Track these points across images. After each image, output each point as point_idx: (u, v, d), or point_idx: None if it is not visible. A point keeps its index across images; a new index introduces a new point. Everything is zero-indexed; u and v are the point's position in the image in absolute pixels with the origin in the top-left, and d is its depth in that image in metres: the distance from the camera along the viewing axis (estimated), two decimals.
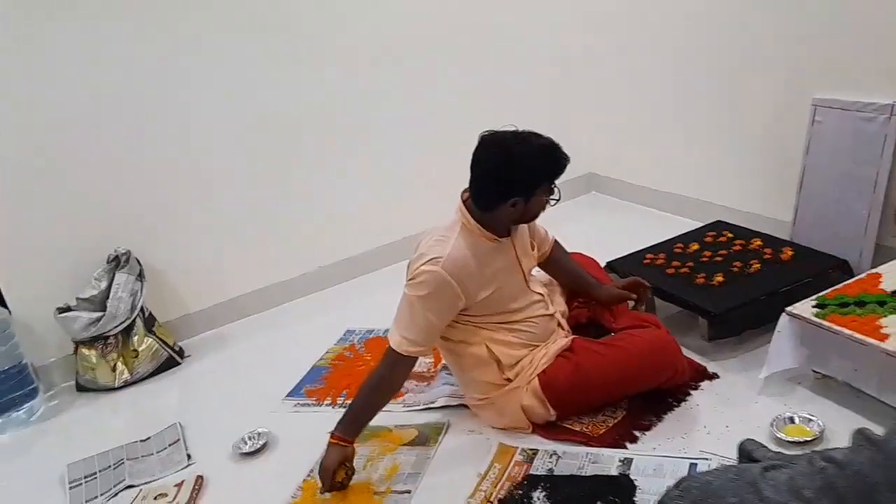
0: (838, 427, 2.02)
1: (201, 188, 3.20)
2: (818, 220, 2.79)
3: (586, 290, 2.48)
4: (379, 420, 2.30)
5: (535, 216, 2.17)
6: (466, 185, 2.13)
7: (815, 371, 2.22)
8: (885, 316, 2.08)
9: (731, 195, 3.26)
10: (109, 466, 2.45)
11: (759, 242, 2.75)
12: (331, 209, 3.52)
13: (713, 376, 2.37)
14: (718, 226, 2.99)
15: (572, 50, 3.81)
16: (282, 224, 3.42)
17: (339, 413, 2.21)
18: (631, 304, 2.43)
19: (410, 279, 2.10)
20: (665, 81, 3.48)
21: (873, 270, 2.34)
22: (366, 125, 3.49)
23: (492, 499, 2.04)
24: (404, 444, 2.34)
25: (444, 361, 2.65)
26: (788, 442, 2.00)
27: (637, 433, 2.18)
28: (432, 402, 2.51)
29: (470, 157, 2.07)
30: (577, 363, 2.21)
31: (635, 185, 3.80)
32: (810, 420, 2.06)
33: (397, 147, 3.59)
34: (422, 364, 2.75)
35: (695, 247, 2.84)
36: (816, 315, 2.16)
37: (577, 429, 2.24)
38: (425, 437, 2.35)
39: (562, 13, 3.75)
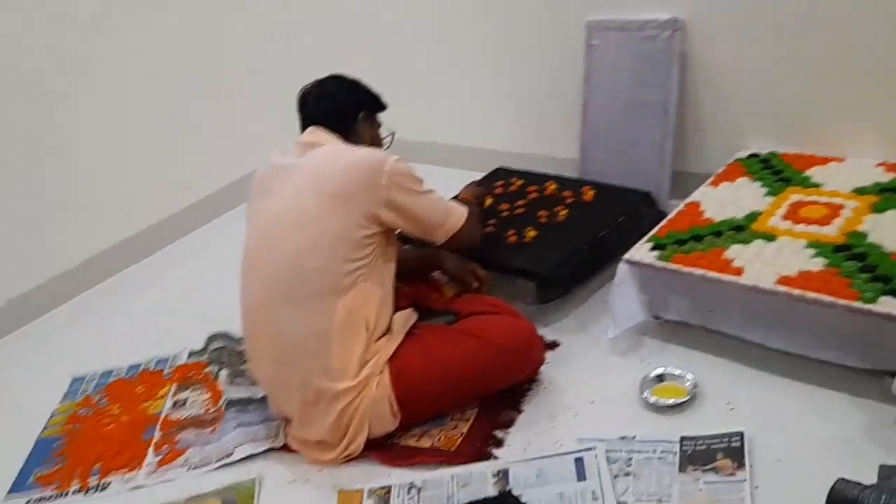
0: (708, 377, 1.84)
1: None
2: (607, 153, 2.62)
3: (433, 259, 2.11)
4: (162, 497, 1.73)
5: (381, 144, 2.03)
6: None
7: (656, 317, 2.04)
8: (727, 247, 1.93)
9: (509, 138, 2.99)
10: None
11: (554, 186, 2.51)
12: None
13: (553, 345, 2.08)
14: (502, 174, 2.71)
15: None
16: None
17: (98, 499, 1.63)
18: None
19: (390, 182, 1.77)
20: (428, 20, 3.10)
21: (689, 200, 2.20)
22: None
23: None
24: None
25: (225, 398, 2.07)
26: (667, 407, 1.78)
27: (500, 434, 1.82)
28: (229, 455, 1.91)
29: None
30: (431, 351, 1.80)
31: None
32: (680, 376, 1.86)
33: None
34: (198, 404, 2.12)
35: (489, 201, 2.52)
36: (660, 258, 1.96)
37: (427, 445, 1.83)
38: None
39: None
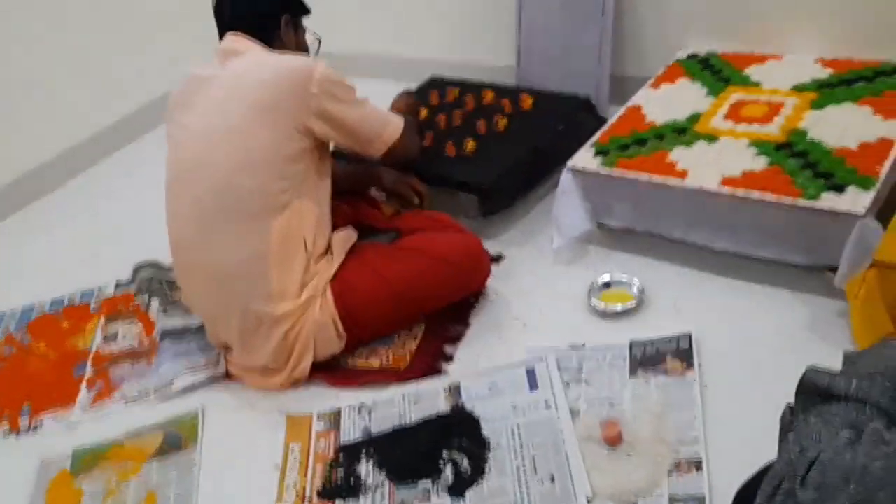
0: (654, 282, 1.83)
1: None
2: (545, 58, 2.53)
3: (370, 175, 2.04)
4: (100, 434, 1.66)
5: (307, 50, 1.90)
6: None
7: (601, 225, 2.01)
8: (670, 150, 1.90)
9: (443, 46, 2.86)
10: None
11: (491, 95, 2.42)
12: None
13: (499, 258, 2.04)
14: (437, 83, 2.60)
15: None
16: None
17: (32, 439, 1.59)
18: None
19: (321, 91, 1.65)
20: None
21: (630, 103, 2.15)
22: None
23: (307, 494, 1.52)
24: (152, 457, 1.67)
25: (159, 328, 1.98)
26: (616, 313, 1.77)
27: (449, 349, 1.79)
28: (168, 386, 1.83)
29: None
30: (376, 269, 1.74)
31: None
32: (626, 282, 1.85)
33: None
34: (130, 337, 2.02)
35: (424, 112, 2.42)
36: (603, 164, 1.92)
37: (376, 364, 1.78)
38: (177, 439, 1.70)
39: None
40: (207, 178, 1.65)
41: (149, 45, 3.05)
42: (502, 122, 2.28)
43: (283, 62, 1.70)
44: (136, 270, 2.21)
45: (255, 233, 1.64)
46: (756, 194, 1.69)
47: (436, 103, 2.48)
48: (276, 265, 1.66)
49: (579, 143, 2.07)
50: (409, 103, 2.29)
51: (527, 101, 2.35)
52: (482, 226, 2.12)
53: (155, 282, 2.13)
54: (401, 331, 1.84)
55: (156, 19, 3.07)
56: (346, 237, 1.82)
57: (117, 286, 2.21)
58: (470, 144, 2.19)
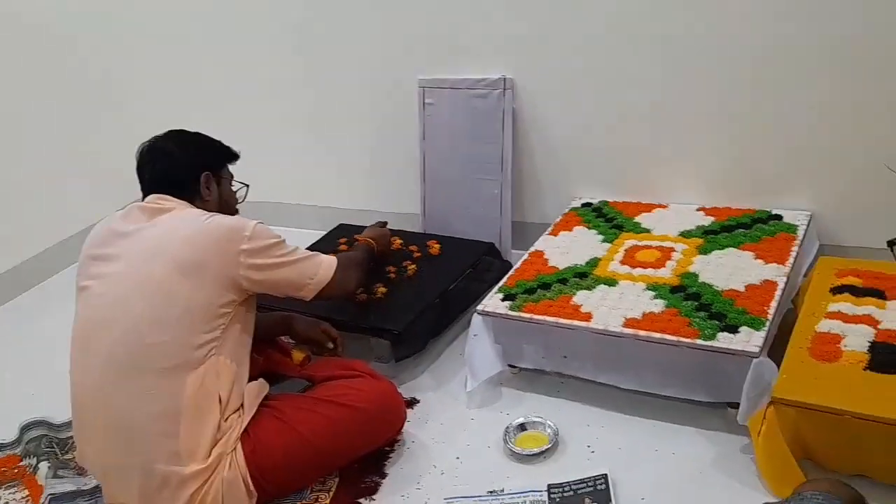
0: (567, 423, 1.86)
1: None
2: (449, 207, 2.65)
3: (282, 323, 2.01)
4: None
5: (232, 206, 1.91)
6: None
7: (511, 366, 2.05)
8: (574, 294, 1.99)
9: (352, 196, 2.96)
10: None
11: (399, 241, 2.49)
12: None
13: (412, 402, 2.03)
14: (345, 230, 2.65)
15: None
16: None
17: None
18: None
19: (252, 248, 1.66)
20: (264, 80, 3.00)
21: (533, 249, 2.26)
22: None
23: None
24: None
25: (47, 493, 1.84)
26: (529, 455, 1.78)
27: (364, 502, 1.73)
28: None
29: None
30: (289, 423, 1.68)
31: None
32: (541, 423, 1.87)
33: None
34: None
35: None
36: (512, 308, 1.98)
37: None
38: None
39: None
40: (121, 332, 1.59)
41: (60, 191, 3.02)
42: (412, 268, 2.33)
43: (213, 221, 1.69)
44: (23, 430, 2.05)
45: (167, 390, 1.57)
46: (657, 335, 1.78)
47: (345, 250, 2.52)
48: (188, 423, 1.58)
49: (487, 287, 2.15)
50: (378, 235, 2.28)
51: (434, 247, 2.43)
52: (395, 370, 2.12)
53: (44, 441, 1.98)
54: (314, 484, 1.77)
55: (67, 166, 3.07)
56: (258, 389, 1.76)
57: (1, 448, 2.04)
58: (381, 289, 2.22)
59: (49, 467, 1.91)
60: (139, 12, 3.11)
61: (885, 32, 1.98)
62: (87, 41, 3.14)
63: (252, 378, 1.80)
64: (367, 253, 2.14)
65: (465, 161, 2.58)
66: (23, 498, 1.86)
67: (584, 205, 2.47)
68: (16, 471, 1.95)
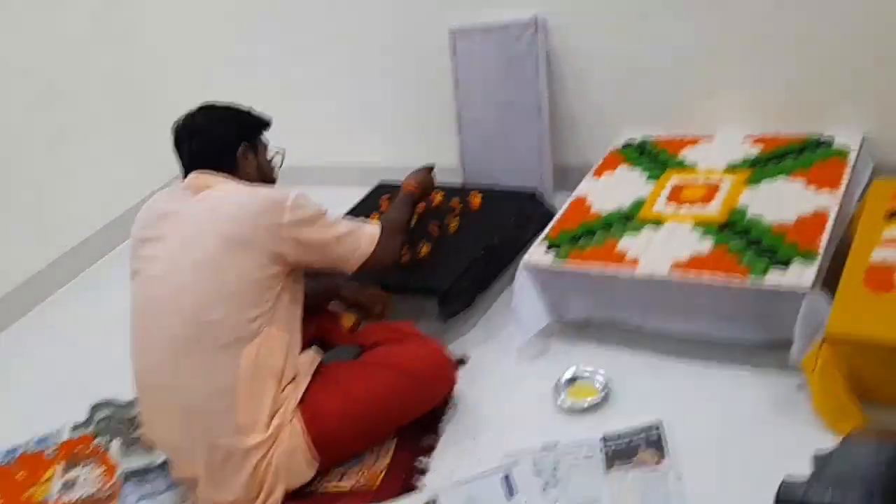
0: (619, 372, 1.84)
1: None
2: (487, 156, 2.61)
3: (329, 289, 2.04)
4: None
5: (271, 177, 1.91)
6: None
7: (560, 317, 2.03)
8: (619, 238, 1.94)
9: (389, 152, 2.93)
10: None
11: (440, 196, 2.47)
12: None
13: (463, 361, 2.04)
14: (384, 189, 2.64)
15: None
16: None
17: None
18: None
19: (293, 220, 1.67)
20: (296, 40, 2.97)
21: (575, 196, 2.20)
22: None
23: None
24: None
25: (121, 470, 1.91)
26: (584, 409, 1.77)
27: (422, 462, 1.76)
28: None
29: None
30: (344, 390, 1.72)
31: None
32: (590, 376, 1.85)
33: None
34: (91, 482, 1.95)
35: (376, 217, 2.45)
36: (557, 259, 1.95)
37: (349, 486, 1.74)
38: None
39: None
40: (177, 312, 1.63)
41: (100, 173, 3.08)
42: (454, 223, 2.32)
43: (255, 195, 1.70)
44: (93, 410, 2.14)
45: (224, 365, 1.62)
46: (706, 277, 1.73)
47: (385, 209, 2.52)
48: (245, 397, 1.63)
49: (532, 235, 2.12)
50: (421, 180, 2.19)
51: (475, 200, 2.41)
52: (444, 328, 2.12)
53: (114, 420, 2.07)
54: (372, 447, 1.81)
55: (109, 145, 3.12)
56: (311, 359, 1.80)
57: (74, 428, 2.13)
58: (424, 248, 2.22)
59: (121, 444, 2.00)
60: None
61: None
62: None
63: (305, 346, 1.84)
64: (408, 206, 2.09)
65: (500, 108, 2.52)
66: (98, 475, 1.96)
67: (626, 144, 2.39)
68: (90, 449, 2.05)
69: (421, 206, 2.42)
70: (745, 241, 1.80)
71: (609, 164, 2.31)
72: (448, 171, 2.68)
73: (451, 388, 1.88)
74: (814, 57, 2.11)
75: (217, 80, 3.01)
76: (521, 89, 2.45)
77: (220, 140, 1.81)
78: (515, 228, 2.28)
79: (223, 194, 1.71)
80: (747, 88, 2.25)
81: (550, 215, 2.20)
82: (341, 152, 3.10)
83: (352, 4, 2.74)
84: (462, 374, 1.96)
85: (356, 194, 2.69)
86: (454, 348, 2.06)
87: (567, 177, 2.46)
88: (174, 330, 1.63)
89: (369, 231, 1.85)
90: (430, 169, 2.28)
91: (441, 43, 2.56)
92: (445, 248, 2.22)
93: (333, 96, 3.00)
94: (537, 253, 2.00)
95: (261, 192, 1.72)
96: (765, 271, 1.68)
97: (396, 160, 2.84)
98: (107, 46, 3.12)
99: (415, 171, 2.25)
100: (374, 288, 2.06)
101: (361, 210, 2.55)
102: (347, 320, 2.05)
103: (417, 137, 2.87)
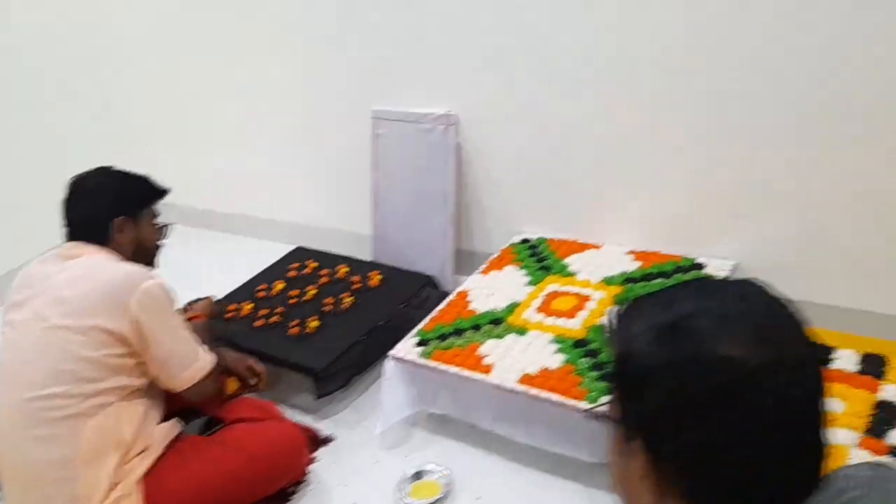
0: (464, 471, 1.92)
1: None
2: (398, 233, 2.71)
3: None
4: None
5: (152, 249, 1.95)
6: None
7: (423, 409, 2.12)
8: (482, 343, 2.03)
9: (310, 214, 3.06)
10: None
11: (345, 269, 2.57)
12: None
13: (328, 440, 2.12)
14: (300, 254, 2.74)
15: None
16: None
17: None
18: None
19: (140, 304, 1.68)
20: (236, 99, 3.11)
21: (461, 288, 2.30)
22: None
23: None
24: None
25: None
26: None
27: None
28: None
29: None
30: (194, 469, 1.77)
31: (206, 211, 3.34)
32: (436, 472, 1.93)
33: None
34: None
35: (280, 286, 2.55)
36: (422, 355, 2.04)
37: None
38: None
39: None
40: (22, 383, 1.68)
41: None
42: (348, 300, 2.41)
43: (113, 270, 1.74)
44: None
45: (65, 437, 1.67)
46: (545, 395, 1.81)
47: (294, 276, 2.61)
48: (85, 467, 1.68)
49: (420, 321, 2.20)
50: (204, 307, 2.26)
51: (375, 278, 2.50)
52: (318, 404, 2.21)
53: None
54: None
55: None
56: (167, 431, 1.83)
57: None
58: (313, 323, 2.31)
59: None
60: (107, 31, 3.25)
61: (804, 88, 1.95)
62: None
63: (171, 415, 1.91)
64: (210, 331, 2.12)
65: (413, 191, 2.63)
66: None
67: (522, 241, 2.49)
68: None
69: (323, 277, 2.53)
70: (591, 362, 1.88)
71: (501, 260, 2.40)
72: (361, 238, 2.80)
73: (302, 471, 1.95)
74: (702, 191, 2.22)
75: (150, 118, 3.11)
76: (432, 176, 2.56)
77: (99, 210, 1.84)
78: (406, 312, 2.37)
79: (84, 267, 1.75)
80: (637, 202, 2.34)
81: (444, 300, 2.30)
82: (268, 207, 3.23)
83: (299, 71, 2.88)
84: (325, 453, 2.05)
85: (278, 250, 2.81)
86: (325, 426, 2.15)
87: (474, 262, 2.55)
88: (18, 399, 1.68)
89: (206, 358, 1.84)
90: (210, 298, 2.35)
91: (365, 122, 2.68)
92: (333, 326, 2.31)
93: (272, 154, 3.12)
94: (407, 345, 2.09)
95: (122, 268, 1.75)
96: (598, 397, 1.76)
97: (321, 221, 2.97)
98: None
99: (196, 300, 2.31)
100: (253, 360, 2.14)
101: (273, 273, 2.65)
102: (231, 386, 2.13)
103: (339, 203, 3.00)
